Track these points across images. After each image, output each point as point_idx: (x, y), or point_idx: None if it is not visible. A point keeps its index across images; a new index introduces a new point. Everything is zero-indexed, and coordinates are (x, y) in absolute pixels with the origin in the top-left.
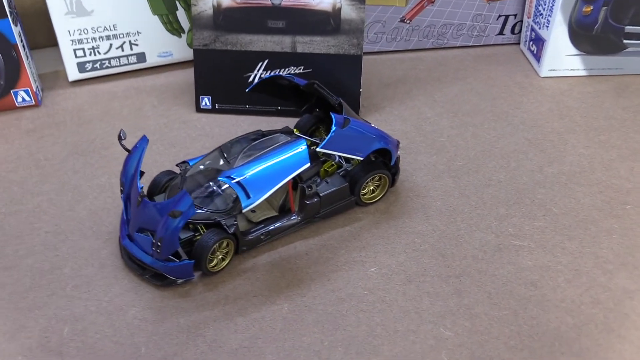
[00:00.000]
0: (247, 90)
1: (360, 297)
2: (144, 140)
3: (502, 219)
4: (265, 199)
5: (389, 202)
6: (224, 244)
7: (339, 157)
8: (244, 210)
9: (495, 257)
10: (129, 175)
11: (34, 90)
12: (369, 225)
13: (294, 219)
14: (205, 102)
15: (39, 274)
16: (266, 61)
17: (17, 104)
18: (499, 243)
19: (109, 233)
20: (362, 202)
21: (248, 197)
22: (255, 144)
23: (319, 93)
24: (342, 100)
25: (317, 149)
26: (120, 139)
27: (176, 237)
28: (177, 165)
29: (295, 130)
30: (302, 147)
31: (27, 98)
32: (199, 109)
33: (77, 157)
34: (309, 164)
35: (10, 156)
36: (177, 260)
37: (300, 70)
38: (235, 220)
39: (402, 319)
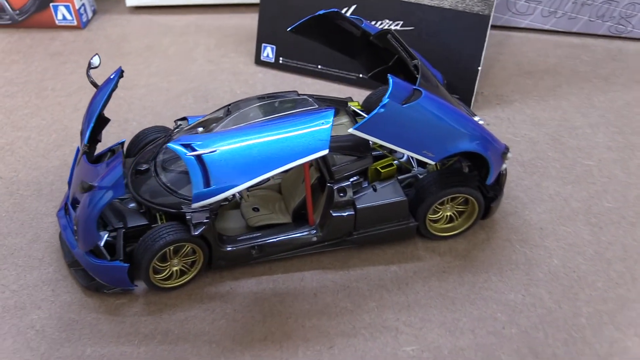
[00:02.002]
0: (288, 29)
1: None
2: (116, 73)
3: None
4: (265, 196)
5: (473, 242)
6: (186, 250)
7: (406, 155)
8: (193, 206)
9: None
10: (89, 122)
11: (77, 7)
12: (428, 271)
13: (311, 234)
14: (268, 52)
15: None
16: (353, 7)
17: (56, 22)
18: None
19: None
20: (430, 233)
21: (206, 184)
22: (264, 105)
23: (394, 48)
24: (421, 62)
25: (351, 130)
26: (89, 67)
27: (92, 225)
28: (175, 121)
29: (356, 104)
30: (326, 123)
31: (68, 16)
32: (258, 61)
33: (87, 93)
34: (326, 151)
35: (18, 78)
36: (106, 258)
37: (398, 27)
38: (209, 217)
39: None
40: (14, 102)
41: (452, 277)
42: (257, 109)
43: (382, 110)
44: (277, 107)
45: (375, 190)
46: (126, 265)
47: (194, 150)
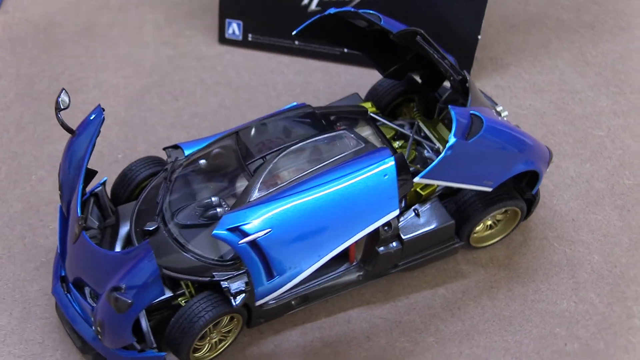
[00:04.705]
0: (294, 33)
1: None
2: (97, 114)
3: None
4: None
5: (511, 246)
6: (225, 321)
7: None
8: (257, 304)
9: None
10: (71, 175)
11: None
12: (477, 288)
13: (355, 273)
14: (234, 29)
15: None
16: None
17: None
18: None
19: (49, 251)
20: (470, 245)
21: (269, 275)
22: (295, 148)
23: (423, 51)
24: (467, 74)
25: (418, 179)
26: (58, 107)
27: (127, 330)
28: (164, 149)
29: (369, 106)
30: (388, 173)
31: None
32: (223, 39)
33: (27, 103)
34: (397, 211)
35: None
36: (137, 349)
37: None
38: (246, 281)
39: None
40: None
41: (502, 291)
42: (291, 157)
43: (449, 152)
44: (313, 151)
45: (418, 215)
46: (162, 354)
47: (246, 234)
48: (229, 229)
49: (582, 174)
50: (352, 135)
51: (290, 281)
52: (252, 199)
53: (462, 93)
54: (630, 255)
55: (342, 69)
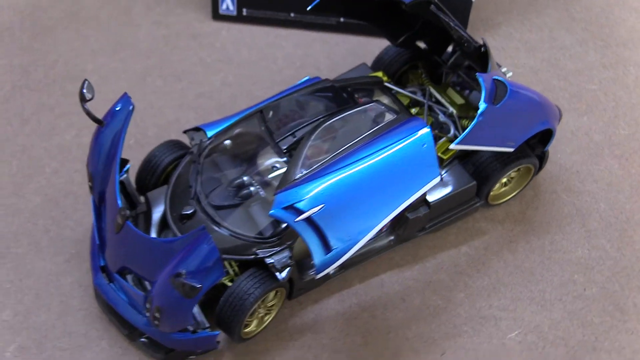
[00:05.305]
0: (308, 8)
1: None
2: (125, 103)
3: None
4: None
5: (524, 201)
6: (271, 296)
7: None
8: (319, 276)
9: None
10: (101, 164)
11: None
12: (497, 244)
13: (386, 239)
14: (227, 4)
15: None
16: None
17: None
18: None
19: (77, 243)
20: (487, 203)
21: (327, 249)
22: (329, 124)
23: (435, 19)
24: (485, 41)
25: (453, 146)
26: (83, 99)
27: (188, 314)
28: (184, 132)
29: (381, 75)
30: (426, 142)
31: None
32: (217, 15)
33: (26, 94)
34: (439, 177)
35: None
36: (190, 330)
37: None
38: (289, 254)
39: None
40: None
41: (520, 245)
42: (328, 132)
43: (481, 118)
44: (348, 125)
45: (441, 179)
46: (216, 333)
47: (300, 211)
48: (284, 208)
49: (581, 128)
50: (383, 107)
51: (347, 252)
52: (297, 177)
53: (474, 58)
54: (633, 201)
55: (340, 38)
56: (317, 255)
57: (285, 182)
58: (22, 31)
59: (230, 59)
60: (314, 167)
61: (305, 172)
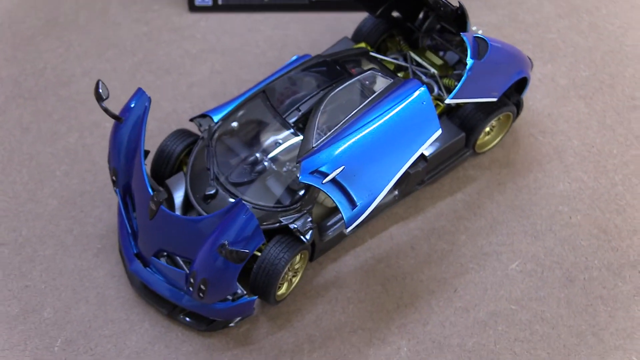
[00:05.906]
0: None
1: (508, 315)
2: (141, 97)
3: None
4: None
5: (505, 147)
6: (297, 259)
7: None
8: (348, 231)
9: None
10: (123, 158)
11: None
12: (488, 187)
13: (391, 194)
14: None
15: (4, 325)
16: None
17: None
18: None
19: (102, 238)
20: (474, 152)
21: (353, 204)
22: (334, 93)
23: None
24: (462, 3)
25: (448, 100)
26: (99, 98)
27: (234, 281)
28: (191, 120)
29: (365, 46)
30: (425, 100)
31: None
32: (193, 7)
33: (21, 104)
34: (440, 130)
35: None
36: (229, 299)
37: None
38: (310, 218)
39: (578, 348)
40: None
41: (509, 186)
42: (335, 102)
43: (470, 73)
44: (352, 93)
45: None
46: (254, 298)
47: (325, 174)
48: (310, 173)
49: (547, 74)
50: (380, 73)
51: (370, 205)
52: (315, 145)
53: (451, 20)
54: (601, 135)
55: (314, 16)
56: (346, 211)
57: (305, 150)
58: (4, 43)
59: (213, 48)
60: (329, 133)
61: (321, 139)
